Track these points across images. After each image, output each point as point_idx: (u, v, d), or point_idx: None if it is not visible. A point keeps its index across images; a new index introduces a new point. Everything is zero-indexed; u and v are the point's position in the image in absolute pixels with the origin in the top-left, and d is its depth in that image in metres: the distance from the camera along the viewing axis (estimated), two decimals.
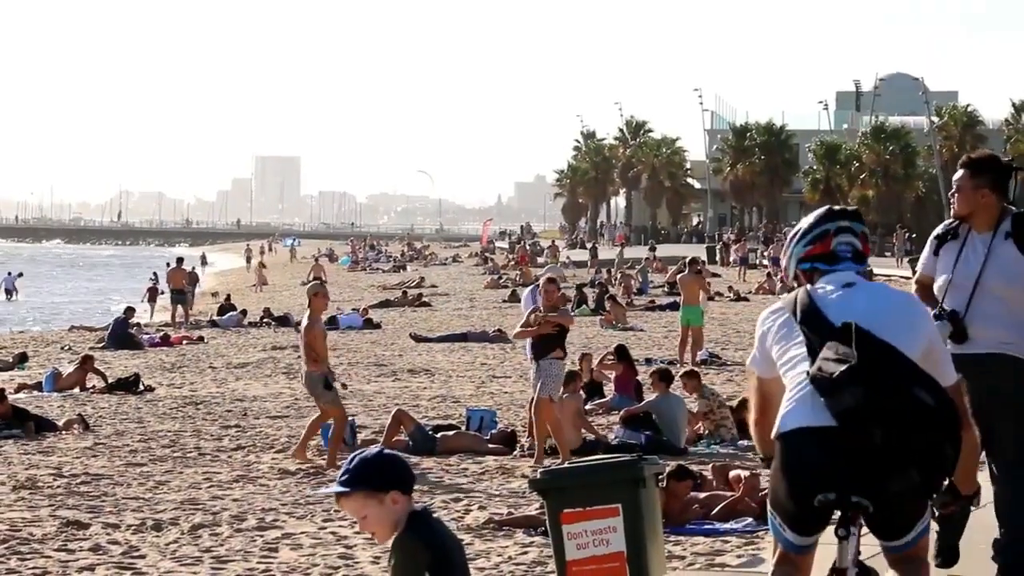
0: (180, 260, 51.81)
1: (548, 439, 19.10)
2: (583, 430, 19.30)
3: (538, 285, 21.34)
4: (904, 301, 6.34)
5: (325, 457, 19.03)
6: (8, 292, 75.65)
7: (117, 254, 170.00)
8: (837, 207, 6.55)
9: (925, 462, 5.86)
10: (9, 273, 78.77)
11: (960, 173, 8.49)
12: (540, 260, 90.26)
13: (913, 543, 6.12)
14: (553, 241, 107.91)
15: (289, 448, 19.86)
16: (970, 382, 7.64)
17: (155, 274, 64.19)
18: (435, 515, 5.95)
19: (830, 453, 5.87)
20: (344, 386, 19.33)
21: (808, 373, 6.00)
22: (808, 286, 6.32)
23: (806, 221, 6.51)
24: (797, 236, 6.47)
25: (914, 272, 9.17)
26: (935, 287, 8.63)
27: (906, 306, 6.30)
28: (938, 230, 8.76)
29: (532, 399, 18.62)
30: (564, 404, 19.21)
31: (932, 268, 8.71)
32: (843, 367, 5.87)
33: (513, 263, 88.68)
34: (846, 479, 5.86)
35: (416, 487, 5.86)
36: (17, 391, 27.34)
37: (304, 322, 19.27)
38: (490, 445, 19.50)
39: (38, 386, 28.39)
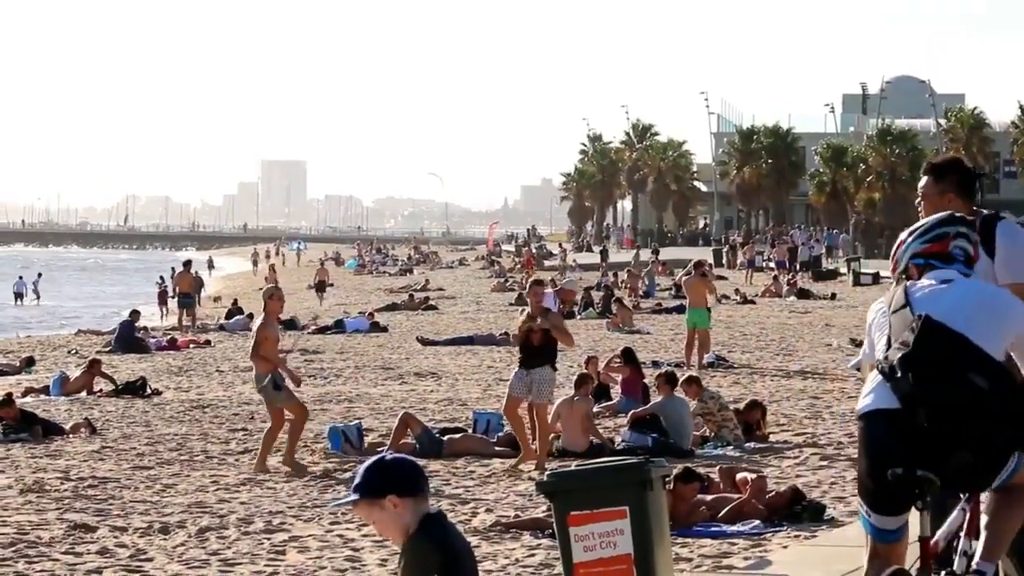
0: (188, 264, 51.88)
1: (556, 441, 19.12)
2: (591, 434, 19.29)
3: (554, 297, 21.47)
4: (993, 295, 6.85)
5: (333, 461, 19.04)
6: (18, 296, 75.84)
7: (133, 258, 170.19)
8: (958, 214, 7.18)
9: (976, 447, 6.44)
10: (20, 278, 78.96)
11: (924, 180, 8.07)
12: (547, 264, 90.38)
13: (1008, 480, 6.60)
14: (561, 244, 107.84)
15: (296, 451, 19.87)
16: None
17: (162, 277, 64.35)
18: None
19: (895, 433, 6.51)
20: (297, 383, 19.29)
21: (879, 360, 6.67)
22: (910, 281, 6.90)
23: (927, 221, 7.10)
24: (916, 233, 7.02)
25: None
26: None
27: (994, 300, 6.79)
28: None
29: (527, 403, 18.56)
30: (574, 407, 19.23)
31: None
32: (898, 355, 6.51)
33: (519, 266, 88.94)
34: (909, 456, 6.45)
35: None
36: (24, 395, 27.36)
37: (256, 323, 19.25)
38: (497, 448, 19.51)
39: (45, 390, 28.42)
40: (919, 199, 8.03)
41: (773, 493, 14.53)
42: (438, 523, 5.82)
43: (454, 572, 5.77)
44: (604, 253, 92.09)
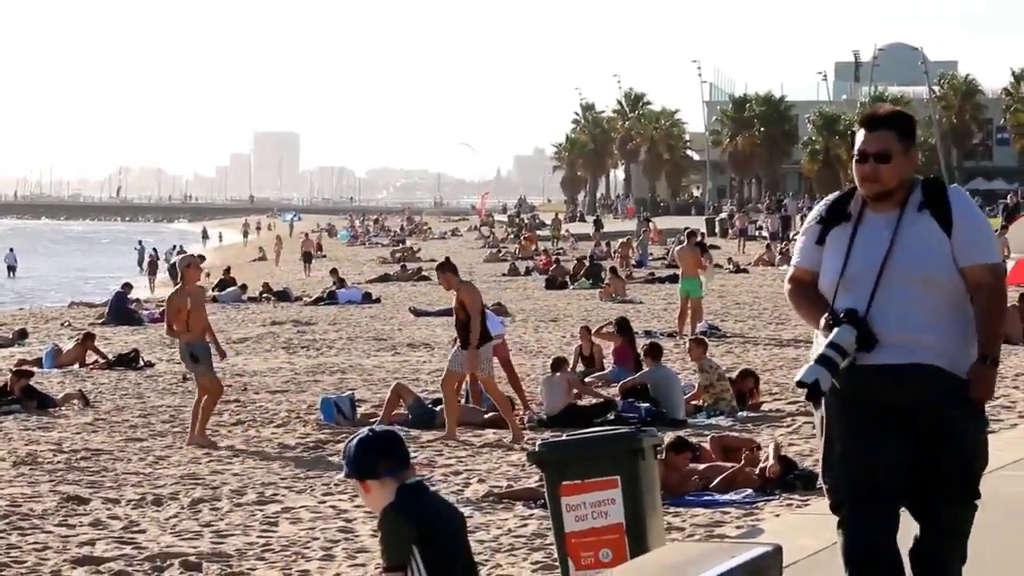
0: (201, 258, 52.39)
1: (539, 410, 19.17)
2: (568, 398, 19.38)
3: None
4: None
5: (326, 432, 19.02)
6: (11, 269, 75.80)
7: (155, 230, 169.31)
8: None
9: None
10: (11, 250, 78.92)
11: (882, 134, 6.46)
12: (540, 234, 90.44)
13: None
14: (557, 214, 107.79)
15: (289, 423, 19.88)
16: (884, 400, 6.44)
17: (155, 249, 64.47)
18: (433, 488, 5.98)
19: None
20: (223, 355, 19.40)
21: None
22: None
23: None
24: None
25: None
26: (822, 283, 6.59)
27: None
28: (821, 211, 6.65)
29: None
30: (553, 381, 19.39)
31: (816, 259, 6.61)
32: None
33: (512, 236, 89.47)
34: None
35: (415, 461, 5.89)
36: (17, 367, 27.31)
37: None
38: (486, 416, 19.48)
39: (38, 362, 28.38)
40: (871, 157, 6.46)
41: (767, 460, 14.50)
42: (413, 494, 5.80)
43: (431, 542, 5.75)
44: (598, 223, 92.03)
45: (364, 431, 6.04)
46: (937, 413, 6.43)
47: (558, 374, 19.56)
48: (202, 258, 54.79)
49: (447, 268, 19.39)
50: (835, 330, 6.34)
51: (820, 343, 6.43)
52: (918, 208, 6.47)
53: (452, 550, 5.85)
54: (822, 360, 6.31)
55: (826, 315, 6.43)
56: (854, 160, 6.46)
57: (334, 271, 54.26)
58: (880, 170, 6.44)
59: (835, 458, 6.50)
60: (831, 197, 6.71)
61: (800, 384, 6.32)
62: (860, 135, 6.49)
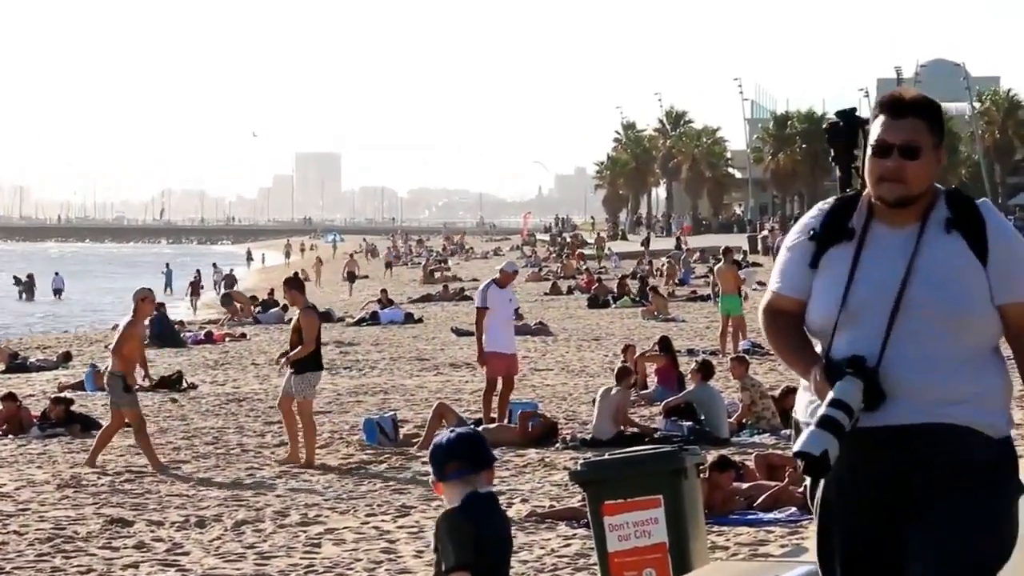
0: (254, 299, 54.63)
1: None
2: (622, 424, 19.21)
3: (492, 282, 21.12)
4: None
5: (369, 453, 19.03)
6: (57, 292, 76.29)
7: (199, 252, 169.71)
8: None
9: None
10: (57, 273, 79.43)
11: (911, 122, 4.89)
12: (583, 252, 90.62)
13: None
14: (599, 233, 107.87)
15: (331, 444, 19.89)
16: (893, 474, 4.84)
17: (198, 271, 64.94)
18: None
19: None
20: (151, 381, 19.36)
21: None
22: None
23: None
24: None
25: None
26: (812, 318, 4.97)
27: None
28: (814, 224, 5.01)
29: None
30: (609, 398, 19.18)
31: (805, 287, 4.99)
32: None
33: (554, 256, 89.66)
34: None
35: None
36: (60, 390, 27.45)
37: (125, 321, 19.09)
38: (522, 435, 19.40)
39: (80, 385, 28.53)
40: (892, 151, 4.87)
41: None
42: (480, 504, 5.76)
43: (482, 558, 5.73)
44: (646, 241, 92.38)
45: (448, 432, 5.97)
46: (958, 481, 4.83)
47: (616, 390, 19.31)
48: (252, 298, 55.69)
49: (294, 285, 19.34)
50: (836, 384, 4.77)
51: (805, 400, 4.98)
52: (944, 225, 4.90)
53: (495, 572, 5.83)
54: (826, 423, 4.70)
55: (819, 368, 4.86)
56: (869, 154, 4.90)
57: (384, 291, 54.56)
58: (906, 168, 4.86)
59: (830, 554, 4.99)
60: (826, 205, 5.06)
61: (802, 456, 4.71)
62: (879, 122, 4.92)
